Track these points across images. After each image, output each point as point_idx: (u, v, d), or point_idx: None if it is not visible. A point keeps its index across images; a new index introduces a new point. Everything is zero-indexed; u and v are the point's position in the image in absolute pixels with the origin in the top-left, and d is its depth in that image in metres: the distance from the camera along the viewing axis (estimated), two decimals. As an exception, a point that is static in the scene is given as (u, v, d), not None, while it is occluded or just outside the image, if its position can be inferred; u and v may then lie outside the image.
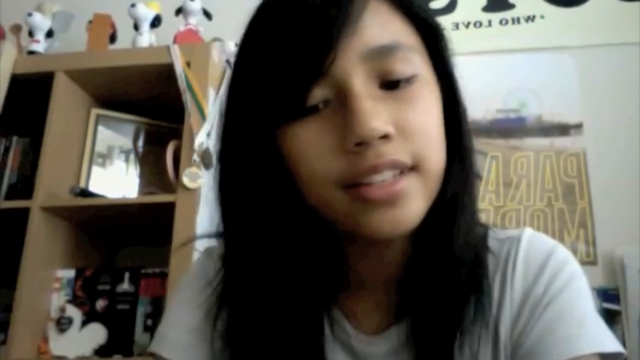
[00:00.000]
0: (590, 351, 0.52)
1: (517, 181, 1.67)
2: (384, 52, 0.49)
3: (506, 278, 0.57)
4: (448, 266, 0.54)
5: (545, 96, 1.73)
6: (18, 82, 1.53)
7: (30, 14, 1.67)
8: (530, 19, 1.82)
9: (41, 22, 1.68)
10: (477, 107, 1.74)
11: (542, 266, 0.56)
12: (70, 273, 1.51)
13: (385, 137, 0.47)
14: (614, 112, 1.67)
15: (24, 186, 1.54)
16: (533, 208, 1.64)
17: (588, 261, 1.57)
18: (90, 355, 1.42)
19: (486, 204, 1.66)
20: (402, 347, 0.56)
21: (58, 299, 1.48)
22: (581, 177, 1.64)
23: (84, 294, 1.49)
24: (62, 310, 1.46)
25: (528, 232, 0.60)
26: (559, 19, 1.81)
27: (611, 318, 1.48)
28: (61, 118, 1.51)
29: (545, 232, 1.61)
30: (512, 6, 1.85)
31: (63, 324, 1.44)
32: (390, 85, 0.49)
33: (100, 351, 1.43)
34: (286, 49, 0.48)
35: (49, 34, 1.70)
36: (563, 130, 1.70)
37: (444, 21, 2.00)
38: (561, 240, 1.59)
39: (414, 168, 0.49)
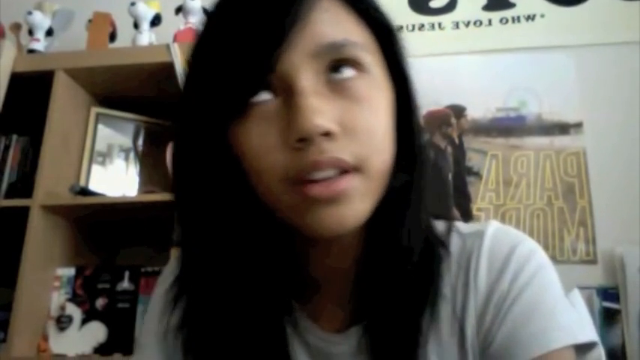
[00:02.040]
0: (563, 344, 0.51)
1: (517, 180, 1.67)
2: (333, 48, 0.48)
3: (469, 275, 0.55)
4: (396, 262, 0.54)
5: (545, 95, 1.73)
6: (18, 80, 1.53)
7: (30, 13, 1.67)
8: (531, 18, 1.82)
9: (41, 20, 1.68)
10: (477, 106, 1.74)
11: (506, 260, 0.55)
12: (70, 271, 1.51)
13: (328, 135, 0.47)
14: (614, 111, 1.67)
15: (24, 184, 1.54)
16: (533, 207, 1.64)
17: (588, 260, 1.57)
18: (90, 353, 1.42)
19: (486, 203, 1.66)
20: (364, 347, 0.55)
21: (58, 298, 1.48)
22: (581, 176, 1.64)
23: (84, 292, 1.49)
24: (62, 308, 1.46)
25: (493, 226, 0.58)
26: (559, 18, 1.81)
27: (610, 317, 1.48)
28: (60, 117, 1.51)
29: (545, 230, 1.61)
30: (512, 5, 1.85)
31: (63, 322, 1.44)
32: (337, 82, 0.49)
33: (99, 349, 1.43)
34: (234, 45, 0.49)
35: (49, 32, 1.70)
36: (563, 128, 1.70)
37: (445, 20, 2.00)
38: (561, 239, 1.60)
39: (357, 169, 0.48)
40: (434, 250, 0.57)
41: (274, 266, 0.55)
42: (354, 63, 0.49)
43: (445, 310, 0.55)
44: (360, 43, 0.51)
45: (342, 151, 0.47)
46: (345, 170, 0.48)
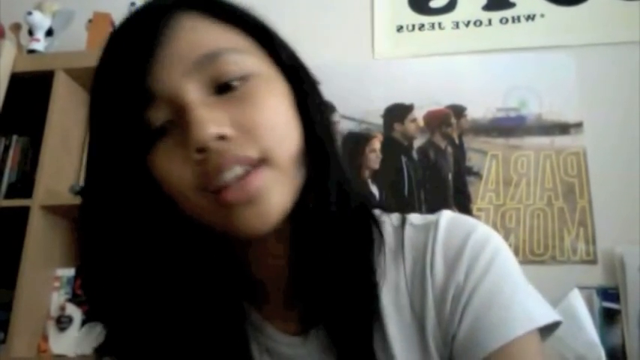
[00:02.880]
0: (524, 330, 0.51)
1: (517, 179, 1.67)
2: (208, 59, 0.50)
3: (425, 267, 0.55)
4: (328, 250, 0.54)
5: (546, 95, 1.73)
6: (18, 80, 1.53)
7: (30, 13, 1.67)
8: (531, 17, 1.82)
9: (41, 20, 1.68)
10: (477, 106, 1.74)
11: (460, 250, 0.54)
12: (70, 272, 1.51)
13: (223, 138, 0.48)
14: (614, 110, 1.67)
15: (24, 185, 1.54)
16: (533, 207, 1.64)
17: (588, 260, 1.57)
18: (89, 353, 1.42)
19: (486, 203, 1.66)
20: (325, 348, 0.55)
21: (57, 298, 1.48)
22: (581, 176, 1.64)
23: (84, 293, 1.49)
24: (62, 308, 1.46)
25: (446, 216, 0.58)
26: (559, 18, 1.81)
27: (610, 317, 1.48)
28: (60, 117, 1.51)
29: (545, 231, 1.61)
30: (512, 5, 1.85)
31: (63, 323, 1.44)
32: (223, 88, 0.50)
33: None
34: (115, 83, 0.50)
35: (49, 32, 1.70)
36: (563, 128, 1.70)
37: (445, 20, 2.00)
38: (561, 239, 1.60)
39: (263, 161, 0.49)
40: (371, 236, 0.57)
41: (218, 273, 0.55)
42: (234, 68, 0.50)
43: (402, 302, 0.55)
44: (236, 47, 0.52)
45: (242, 148, 0.48)
46: (252, 165, 0.49)
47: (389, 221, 0.60)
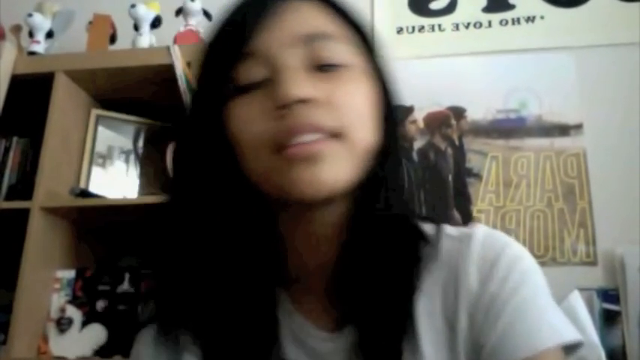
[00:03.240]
0: (552, 343, 0.53)
1: (517, 181, 1.67)
2: (318, 38, 0.54)
3: (459, 277, 0.57)
4: (379, 255, 0.56)
5: (546, 96, 1.73)
6: (18, 82, 1.53)
7: (30, 15, 1.67)
8: (530, 19, 1.82)
9: (41, 22, 1.68)
10: (477, 107, 1.75)
11: (495, 262, 0.57)
12: (70, 273, 1.51)
13: (308, 102, 0.51)
14: (614, 112, 1.67)
15: (24, 186, 1.54)
16: (533, 208, 1.64)
17: (588, 261, 1.57)
18: (90, 355, 1.42)
19: (486, 204, 1.66)
20: (354, 347, 0.56)
21: (58, 299, 1.48)
22: (581, 177, 1.64)
23: (84, 294, 1.48)
24: (62, 310, 1.46)
25: (481, 230, 0.60)
26: (559, 20, 1.81)
27: (611, 318, 1.48)
28: (61, 119, 1.51)
29: (545, 232, 1.61)
30: (512, 6, 1.85)
31: (63, 324, 1.44)
32: (321, 68, 0.54)
33: (100, 352, 1.43)
34: (231, 33, 0.55)
35: (49, 34, 1.70)
36: (563, 130, 1.70)
37: (445, 21, 2.00)
38: (561, 240, 1.60)
39: (337, 136, 0.52)
40: (418, 247, 0.59)
41: (259, 254, 0.57)
42: (336, 55, 0.54)
43: (436, 309, 0.56)
44: (341, 38, 0.56)
45: (321, 117, 0.51)
46: (325, 135, 0.51)
47: (427, 230, 0.62)
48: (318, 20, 0.56)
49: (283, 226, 0.58)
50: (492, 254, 0.57)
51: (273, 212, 0.57)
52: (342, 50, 0.55)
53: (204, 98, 0.57)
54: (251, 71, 0.54)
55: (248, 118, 0.53)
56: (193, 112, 0.59)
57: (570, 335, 0.54)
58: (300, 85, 0.51)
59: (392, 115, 0.59)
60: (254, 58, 0.53)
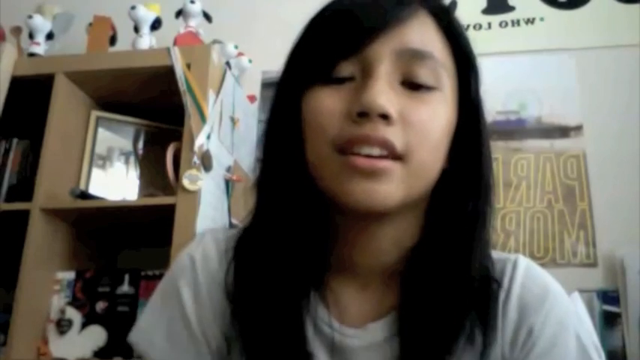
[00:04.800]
0: None
1: (517, 182, 1.67)
2: (417, 56, 0.55)
3: (498, 302, 0.58)
4: (458, 277, 0.56)
5: (546, 98, 1.73)
6: (18, 84, 1.53)
7: (30, 16, 1.67)
8: (530, 21, 1.83)
9: (41, 24, 1.68)
10: (477, 109, 1.74)
11: (540, 299, 0.58)
12: (70, 275, 1.50)
13: (386, 118, 0.52)
14: (614, 113, 1.67)
15: (24, 188, 1.54)
16: (534, 209, 1.64)
17: (588, 263, 1.57)
18: (90, 357, 1.42)
19: (486, 206, 1.66)
20: (384, 342, 0.57)
21: (57, 301, 1.48)
22: (581, 179, 1.64)
23: (84, 296, 1.48)
24: (62, 311, 1.46)
25: (525, 260, 0.62)
26: (559, 21, 1.81)
27: (611, 320, 1.48)
28: (61, 120, 1.51)
29: (545, 233, 1.61)
30: (512, 8, 1.85)
31: (63, 326, 1.44)
32: (411, 85, 0.54)
33: (99, 353, 1.42)
34: (334, 26, 0.56)
35: (50, 36, 1.70)
36: (563, 131, 1.70)
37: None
38: (561, 242, 1.60)
39: (402, 158, 0.53)
40: (489, 272, 0.59)
41: (310, 238, 0.58)
42: (430, 76, 0.55)
43: (475, 331, 0.57)
44: (442, 61, 0.56)
45: (394, 136, 0.52)
46: (390, 155, 0.52)
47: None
48: (424, 37, 0.56)
49: (339, 225, 0.59)
50: (537, 290, 0.59)
51: (329, 210, 0.58)
52: (437, 73, 0.55)
53: (291, 81, 0.58)
54: (343, 66, 0.54)
55: (326, 111, 0.54)
56: (278, 93, 0.60)
57: None
58: (387, 97, 0.52)
59: (474, 140, 0.59)
60: (354, 57, 0.54)
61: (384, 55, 0.54)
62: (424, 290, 0.56)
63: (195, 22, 1.66)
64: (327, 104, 0.54)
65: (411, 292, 0.57)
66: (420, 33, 0.56)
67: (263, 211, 0.60)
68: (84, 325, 1.46)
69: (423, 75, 0.54)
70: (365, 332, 0.59)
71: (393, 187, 0.52)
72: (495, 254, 0.62)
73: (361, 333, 0.59)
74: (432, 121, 0.54)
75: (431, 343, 0.55)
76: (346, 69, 0.54)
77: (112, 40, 1.70)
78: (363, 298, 0.60)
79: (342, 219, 0.57)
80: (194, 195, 1.35)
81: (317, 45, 0.56)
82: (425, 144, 0.53)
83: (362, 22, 0.55)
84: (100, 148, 1.62)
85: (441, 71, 0.56)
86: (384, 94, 0.52)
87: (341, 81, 0.54)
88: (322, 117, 0.54)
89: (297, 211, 0.57)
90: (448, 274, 0.56)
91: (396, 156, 0.52)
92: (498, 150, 1.71)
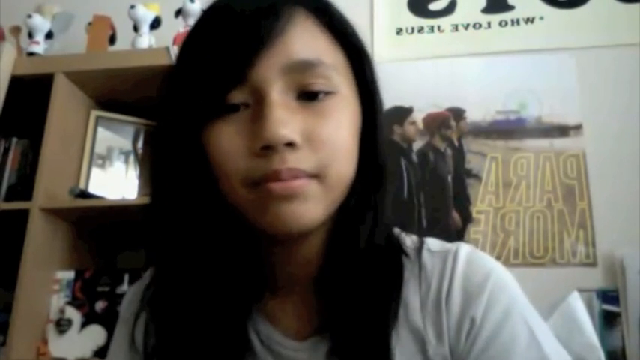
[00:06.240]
0: None
1: (517, 182, 1.67)
2: (305, 66, 0.52)
3: (441, 295, 0.57)
4: (357, 269, 0.56)
5: (545, 97, 1.73)
6: (18, 83, 1.53)
7: (30, 16, 1.67)
8: (530, 20, 1.83)
9: (41, 23, 1.68)
10: (477, 108, 1.75)
11: (481, 287, 0.56)
12: (70, 274, 1.51)
13: (291, 145, 0.50)
14: (613, 113, 1.67)
15: (24, 187, 1.54)
16: (533, 209, 1.64)
17: (588, 262, 1.57)
18: (89, 356, 1.42)
19: (486, 205, 1.66)
20: (329, 354, 0.56)
21: (57, 300, 1.48)
22: (580, 178, 1.64)
23: (83, 295, 1.48)
24: (62, 311, 1.46)
25: (465, 249, 0.59)
26: (558, 21, 1.81)
27: (610, 319, 1.48)
28: (60, 120, 1.51)
29: (545, 233, 1.61)
30: (511, 7, 1.85)
31: (62, 325, 1.44)
32: (306, 96, 0.52)
33: (99, 352, 1.42)
34: (213, 53, 0.52)
35: (49, 35, 1.70)
36: (562, 131, 1.70)
37: (444, 22, 2.00)
38: (561, 241, 1.60)
39: (316, 176, 0.51)
40: (397, 260, 0.59)
41: (238, 265, 0.57)
42: (324, 82, 0.53)
43: (413, 322, 0.56)
44: (332, 63, 0.54)
45: (302, 161, 0.50)
46: (304, 177, 0.51)
47: (409, 243, 0.61)
48: (309, 44, 0.53)
49: (267, 248, 0.58)
50: (478, 279, 0.56)
51: (251, 231, 0.56)
52: (330, 77, 0.53)
53: (183, 116, 0.54)
54: (238, 94, 0.52)
55: (228, 150, 0.51)
56: (171, 129, 0.55)
57: (560, 358, 0.54)
58: (285, 125, 0.49)
59: (375, 137, 0.58)
60: (244, 81, 0.51)
61: (271, 75, 0.51)
62: (341, 289, 0.56)
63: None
64: (227, 142, 0.51)
65: (331, 295, 0.57)
66: (303, 40, 0.53)
67: (176, 251, 0.56)
68: (83, 325, 1.46)
69: (318, 84, 0.52)
70: (310, 344, 0.58)
71: (312, 205, 0.51)
72: (437, 245, 0.61)
73: (307, 345, 0.58)
74: (337, 132, 0.52)
75: (363, 337, 0.54)
76: (237, 96, 0.51)
77: (112, 40, 1.70)
78: (302, 311, 0.59)
79: (267, 238, 0.56)
80: (194, 194, 1.35)
81: (200, 77, 0.52)
82: (337, 157, 0.52)
83: (240, 44, 0.51)
84: (99, 148, 1.62)
85: (334, 74, 0.53)
86: (282, 122, 0.49)
87: (236, 107, 0.52)
88: (227, 156, 0.51)
89: (219, 242, 0.55)
90: (354, 262, 0.56)
91: (311, 176, 0.51)
92: (498, 150, 1.71)
